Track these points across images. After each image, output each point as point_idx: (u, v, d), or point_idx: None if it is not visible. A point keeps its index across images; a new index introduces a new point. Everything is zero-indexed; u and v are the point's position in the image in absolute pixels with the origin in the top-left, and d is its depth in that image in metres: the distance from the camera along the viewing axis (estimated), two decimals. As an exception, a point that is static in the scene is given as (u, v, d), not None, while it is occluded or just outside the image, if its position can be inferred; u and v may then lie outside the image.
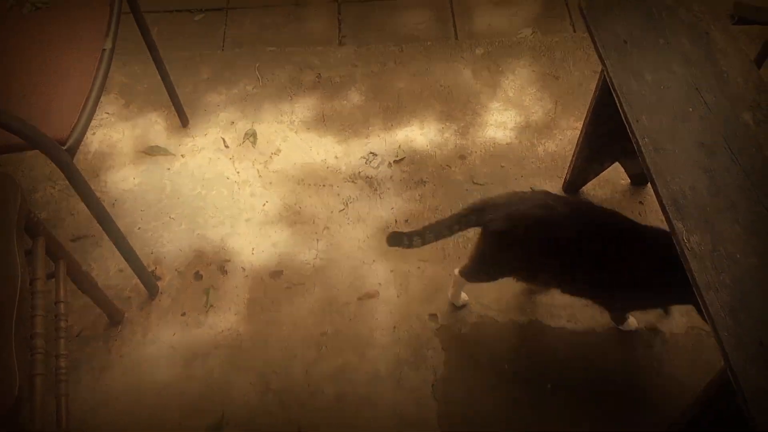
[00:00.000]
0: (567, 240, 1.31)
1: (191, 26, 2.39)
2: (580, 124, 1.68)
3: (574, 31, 2.27)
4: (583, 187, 1.79)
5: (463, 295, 1.59)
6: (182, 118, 1.97)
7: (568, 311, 1.58)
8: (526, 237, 1.32)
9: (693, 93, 1.27)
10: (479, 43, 2.21)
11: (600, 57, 1.36)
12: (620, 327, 1.55)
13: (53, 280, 1.28)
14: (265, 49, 2.23)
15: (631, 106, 1.26)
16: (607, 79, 1.33)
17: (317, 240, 1.73)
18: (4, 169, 1.82)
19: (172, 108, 1.95)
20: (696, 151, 1.18)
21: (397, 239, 1.44)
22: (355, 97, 2.06)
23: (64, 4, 2.42)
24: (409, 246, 1.42)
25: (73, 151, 1.27)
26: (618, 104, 1.28)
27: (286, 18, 2.41)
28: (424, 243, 1.41)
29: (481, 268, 1.47)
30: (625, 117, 1.25)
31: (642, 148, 1.19)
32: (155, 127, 1.98)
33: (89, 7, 1.59)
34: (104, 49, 1.47)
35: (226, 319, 1.59)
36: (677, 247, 1.07)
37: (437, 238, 1.42)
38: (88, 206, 1.34)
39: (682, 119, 1.23)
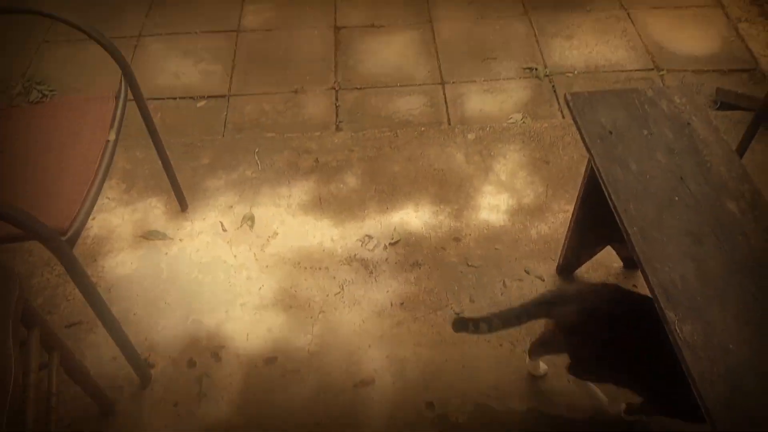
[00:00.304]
0: (637, 339, 1.26)
1: (193, 113, 2.48)
2: (571, 207, 1.72)
3: (563, 117, 2.35)
4: (577, 270, 1.80)
5: (542, 365, 1.56)
6: (181, 203, 2.01)
7: (567, 399, 1.55)
8: (596, 333, 1.30)
9: (678, 182, 1.31)
10: (471, 128, 2.28)
11: (587, 147, 1.41)
12: (625, 416, 1.51)
13: (46, 370, 1.27)
14: (264, 134, 2.30)
15: (619, 195, 1.29)
16: (594, 168, 1.37)
17: (312, 324, 1.73)
18: (2, 256, 1.84)
19: (172, 193, 1.99)
20: (684, 239, 1.21)
21: (462, 325, 1.41)
22: (351, 181, 2.11)
23: (70, 93, 2.53)
24: (475, 332, 1.39)
25: (73, 241, 1.29)
26: (606, 193, 1.32)
27: (285, 105, 2.50)
28: (491, 330, 1.39)
29: (577, 363, 1.43)
30: (613, 206, 1.28)
31: (631, 237, 1.22)
32: (154, 211, 2.01)
33: (95, 97, 1.65)
34: (108, 141, 1.52)
35: (218, 409, 1.56)
36: (670, 337, 1.07)
37: (505, 326, 1.40)
38: (85, 296, 1.34)
39: (669, 208, 1.26)
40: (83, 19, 2.98)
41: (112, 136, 1.52)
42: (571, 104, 1.48)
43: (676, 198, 1.28)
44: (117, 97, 1.62)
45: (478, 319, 1.39)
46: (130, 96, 1.65)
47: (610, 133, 1.42)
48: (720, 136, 1.40)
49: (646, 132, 1.42)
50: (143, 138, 1.85)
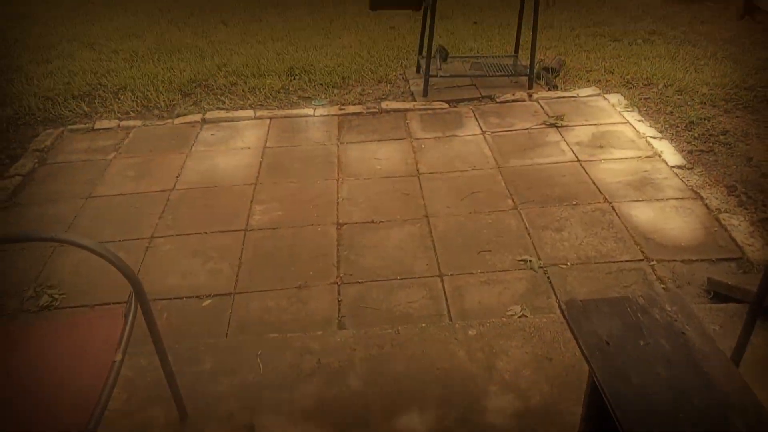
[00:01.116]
0: None
1: (198, 313, 2.52)
2: (578, 409, 1.68)
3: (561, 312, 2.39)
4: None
5: None
6: (181, 412, 1.96)
7: None
8: None
9: (681, 398, 1.31)
10: (471, 323, 2.31)
11: (586, 359, 1.42)
12: None
13: None
14: (267, 335, 2.33)
15: (625, 414, 1.28)
16: (596, 382, 1.37)
17: None
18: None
19: (173, 401, 1.96)
20: (695, 463, 1.18)
21: None
22: (353, 383, 2.09)
23: (80, 297, 2.61)
24: None
25: (68, 478, 1.26)
26: (610, 410, 1.31)
27: (288, 301, 2.56)
28: None
29: None
30: (620, 426, 1.27)
31: (642, 462, 1.19)
32: (153, 422, 1.97)
33: (102, 313, 1.70)
34: (114, 362, 1.54)
35: None
36: None
37: None
38: None
39: (676, 428, 1.25)
40: (100, 223, 3.17)
41: (118, 357, 1.54)
42: (566, 314, 1.53)
43: (682, 415, 1.27)
44: (126, 315, 1.66)
45: None
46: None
47: (608, 343, 1.44)
48: (716, 346, 1.42)
49: (642, 342, 1.44)
50: (147, 344, 1.86)
